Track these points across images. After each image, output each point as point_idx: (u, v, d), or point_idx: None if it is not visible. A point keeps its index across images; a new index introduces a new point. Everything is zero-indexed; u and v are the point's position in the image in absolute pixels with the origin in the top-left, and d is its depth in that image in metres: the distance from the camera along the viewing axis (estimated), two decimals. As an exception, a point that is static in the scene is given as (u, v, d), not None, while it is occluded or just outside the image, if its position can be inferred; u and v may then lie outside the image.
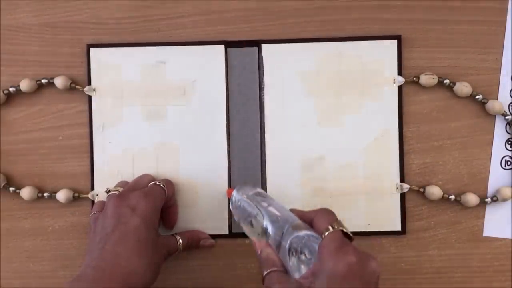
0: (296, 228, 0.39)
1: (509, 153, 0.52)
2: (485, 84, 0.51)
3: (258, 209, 0.43)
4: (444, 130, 0.51)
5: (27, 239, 0.52)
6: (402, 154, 0.51)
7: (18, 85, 0.51)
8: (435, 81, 0.50)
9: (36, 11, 0.52)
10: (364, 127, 0.51)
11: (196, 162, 0.51)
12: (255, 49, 0.51)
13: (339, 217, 0.39)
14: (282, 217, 0.41)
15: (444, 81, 0.50)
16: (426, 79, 0.50)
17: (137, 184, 0.48)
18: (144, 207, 0.44)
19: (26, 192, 0.51)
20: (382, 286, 0.51)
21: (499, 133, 0.51)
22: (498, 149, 0.51)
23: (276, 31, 0.51)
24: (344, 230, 0.38)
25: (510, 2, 0.51)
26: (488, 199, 0.51)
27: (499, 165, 0.51)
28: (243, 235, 0.51)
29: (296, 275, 0.38)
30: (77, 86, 0.51)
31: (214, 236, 0.51)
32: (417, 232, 0.51)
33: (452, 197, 0.50)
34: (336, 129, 0.51)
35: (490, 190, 0.51)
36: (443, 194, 0.50)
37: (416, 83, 0.51)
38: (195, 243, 0.50)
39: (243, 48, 0.51)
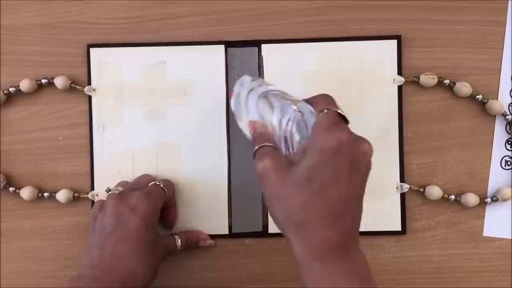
0: (292, 103, 0.39)
1: (509, 153, 0.52)
2: (485, 84, 0.51)
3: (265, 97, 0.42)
4: (444, 130, 0.51)
5: (27, 239, 0.52)
6: (402, 154, 0.51)
7: (18, 85, 0.51)
8: (435, 81, 0.50)
9: (36, 11, 0.52)
10: (364, 127, 0.51)
11: (196, 162, 0.51)
12: (255, 49, 0.51)
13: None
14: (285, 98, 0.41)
15: (444, 81, 0.51)
16: (426, 79, 0.50)
17: (137, 184, 0.48)
18: (144, 207, 0.44)
19: (26, 192, 0.51)
20: (382, 286, 0.51)
21: (499, 133, 0.51)
22: (498, 149, 0.51)
23: (276, 31, 0.51)
24: (341, 112, 0.38)
25: (510, 2, 0.51)
26: (488, 199, 0.51)
27: (499, 165, 0.51)
28: (243, 235, 0.51)
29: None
30: (77, 86, 0.51)
31: (214, 236, 0.51)
32: (417, 232, 0.51)
33: (452, 197, 0.50)
34: (336, 129, 0.51)
35: (490, 190, 0.51)
36: (443, 194, 0.50)
37: (416, 83, 0.51)
38: (194, 243, 0.50)
39: (243, 48, 0.51)
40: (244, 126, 0.44)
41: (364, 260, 0.37)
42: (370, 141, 0.38)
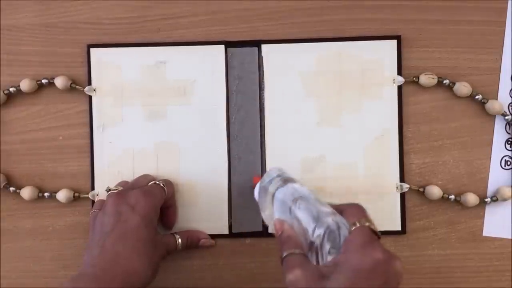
0: (327, 215, 0.39)
1: (509, 153, 0.52)
2: (485, 84, 0.51)
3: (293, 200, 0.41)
4: (444, 130, 0.51)
5: (27, 239, 0.52)
6: (402, 154, 0.51)
7: (18, 85, 0.51)
8: (435, 81, 0.50)
9: (36, 11, 0.52)
10: (364, 127, 0.51)
11: (196, 162, 0.51)
12: (255, 49, 0.51)
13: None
14: (315, 207, 0.40)
15: (444, 81, 0.51)
16: (426, 79, 0.50)
17: (137, 183, 0.48)
18: (143, 205, 0.44)
19: (26, 192, 0.51)
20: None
21: (499, 133, 0.51)
22: (498, 149, 0.51)
23: (276, 31, 0.51)
24: (373, 227, 0.37)
25: (510, 2, 0.51)
26: (488, 199, 0.51)
27: (499, 165, 0.51)
28: (243, 235, 0.51)
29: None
30: (77, 86, 0.51)
31: (214, 236, 0.51)
32: (417, 232, 0.51)
33: (452, 197, 0.51)
34: (336, 129, 0.51)
35: (490, 190, 0.51)
36: (443, 194, 0.50)
37: (416, 83, 0.51)
38: (195, 243, 0.50)
39: (243, 48, 0.51)
40: (267, 217, 0.43)
41: None
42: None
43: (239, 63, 0.51)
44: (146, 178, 0.50)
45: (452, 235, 0.51)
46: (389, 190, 0.51)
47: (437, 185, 0.51)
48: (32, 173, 0.52)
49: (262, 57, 0.51)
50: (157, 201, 0.46)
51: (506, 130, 0.51)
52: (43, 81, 0.51)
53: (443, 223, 0.51)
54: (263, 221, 0.51)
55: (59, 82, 0.51)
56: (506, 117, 0.51)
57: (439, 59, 0.51)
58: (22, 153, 0.52)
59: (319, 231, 0.38)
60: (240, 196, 0.51)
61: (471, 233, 0.52)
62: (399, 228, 0.51)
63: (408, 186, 0.51)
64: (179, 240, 0.49)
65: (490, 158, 0.51)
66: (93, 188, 0.52)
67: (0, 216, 0.52)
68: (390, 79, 0.51)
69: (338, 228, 0.38)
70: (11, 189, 0.51)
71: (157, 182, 0.48)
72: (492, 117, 0.51)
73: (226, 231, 0.51)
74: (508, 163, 0.51)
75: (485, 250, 0.51)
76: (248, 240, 0.52)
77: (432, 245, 0.51)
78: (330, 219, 0.38)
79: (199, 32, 0.52)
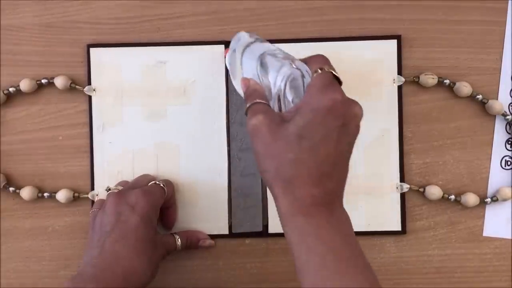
0: (289, 62, 0.39)
1: (509, 153, 0.52)
2: (485, 84, 0.51)
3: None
4: (444, 130, 0.51)
5: (27, 239, 0.52)
6: (402, 154, 0.51)
7: (18, 85, 0.51)
8: (435, 81, 0.50)
9: (36, 11, 0.52)
10: (364, 127, 0.51)
11: (196, 162, 0.51)
12: (255, 49, 0.51)
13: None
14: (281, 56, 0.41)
15: (444, 81, 0.50)
16: (426, 79, 0.50)
17: (137, 183, 0.48)
18: (143, 205, 0.44)
19: (26, 192, 0.51)
20: (382, 286, 0.51)
21: (499, 133, 0.51)
22: (498, 149, 0.51)
23: (276, 31, 0.51)
24: (335, 73, 0.38)
25: (510, 2, 0.51)
26: (488, 199, 0.51)
27: (499, 165, 0.51)
28: (243, 235, 0.51)
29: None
30: (77, 86, 0.51)
31: (214, 236, 0.51)
32: (417, 232, 0.51)
33: (452, 197, 0.50)
34: (336, 129, 0.51)
35: (490, 190, 0.51)
36: (443, 194, 0.50)
37: (416, 83, 0.51)
38: (194, 243, 0.50)
39: (243, 48, 0.51)
40: (238, 83, 0.44)
41: (348, 220, 0.38)
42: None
43: (239, 63, 0.51)
44: (146, 178, 0.50)
45: (452, 235, 0.51)
46: (389, 190, 0.51)
47: (437, 185, 0.51)
48: (31, 173, 0.52)
49: (262, 57, 0.51)
50: (157, 201, 0.46)
51: (506, 130, 0.51)
52: (43, 81, 0.51)
53: (443, 223, 0.51)
54: (263, 221, 0.51)
55: (59, 82, 0.51)
56: (507, 117, 0.51)
57: (439, 59, 0.51)
58: (22, 153, 0.52)
59: (280, 78, 0.39)
60: (240, 196, 0.51)
61: (471, 233, 0.51)
62: (399, 228, 0.51)
63: (408, 186, 0.51)
64: (179, 240, 0.49)
65: (491, 158, 0.51)
66: (93, 188, 0.52)
67: (0, 216, 0.52)
68: (390, 79, 0.51)
69: (302, 77, 0.39)
70: (11, 189, 0.51)
71: (157, 182, 0.48)
72: (492, 117, 0.51)
73: (226, 231, 0.51)
74: (509, 163, 0.51)
75: (485, 250, 0.51)
76: (248, 240, 0.52)
77: (432, 245, 0.51)
78: (292, 65, 0.39)
79: (199, 32, 0.52)
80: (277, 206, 0.37)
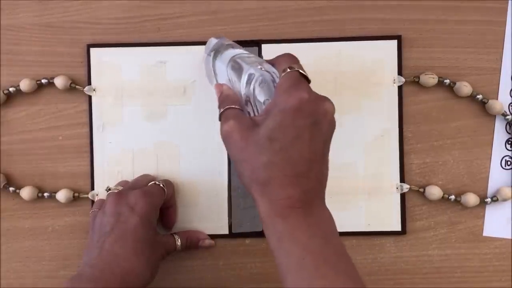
0: (256, 64, 0.40)
1: (509, 153, 0.52)
2: (485, 84, 0.51)
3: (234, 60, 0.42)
4: (444, 130, 0.51)
5: (27, 239, 0.52)
6: (402, 154, 0.51)
7: (18, 85, 0.51)
8: (435, 81, 0.50)
9: (36, 11, 0.52)
10: (364, 127, 0.51)
11: (196, 162, 0.51)
12: (255, 49, 0.51)
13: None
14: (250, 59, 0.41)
15: (444, 81, 0.50)
16: (426, 79, 0.50)
17: (137, 183, 0.48)
18: (143, 206, 0.44)
19: (26, 192, 0.51)
20: (382, 286, 0.51)
21: (499, 133, 0.51)
22: (498, 149, 0.51)
23: (276, 31, 0.51)
24: (302, 72, 0.38)
25: (510, 2, 0.51)
26: (488, 199, 0.51)
27: (499, 165, 0.51)
28: (243, 235, 0.51)
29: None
30: (77, 86, 0.51)
31: (214, 236, 0.51)
32: (417, 232, 0.51)
33: (452, 197, 0.50)
34: (336, 129, 0.51)
35: (490, 190, 0.51)
36: (443, 194, 0.50)
37: (416, 83, 0.51)
38: (194, 243, 0.50)
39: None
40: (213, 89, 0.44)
41: (330, 218, 0.37)
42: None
43: (239, 63, 0.51)
44: (146, 178, 0.50)
45: (452, 235, 0.51)
46: (389, 190, 0.51)
47: (437, 185, 0.51)
48: (31, 173, 0.52)
49: (262, 57, 0.51)
50: (156, 202, 0.46)
51: (506, 130, 0.51)
52: (43, 81, 0.51)
53: (443, 223, 0.51)
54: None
55: (59, 82, 0.51)
56: (507, 117, 0.51)
57: (439, 59, 0.51)
58: (22, 153, 0.52)
59: (245, 77, 0.39)
60: (240, 196, 0.51)
61: (471, 233, 0.51)
62: (399, 228, 0.51)
63: (408, 186, 0.51)
64: (179, 240, 0.49)
65: (491, 158, 0.51)
66: (93, 188, 0.52)
67: (0, 216, 0.52)
68: (391, 79, 0.51)
69: (273, 80, 0.39)
70: (11, 189, 0.51)
71: (157, 183, 0.48)
72: (492, 117, 0.51)
73: (226, 231, 0.51)
74: (509, 163, 0.51)
75: (485, 250, 0.51)
76: (248, 240, 0.52)
77: (432, 245, 0.51)
78: (260, 68, 0.39)
79: (199, 32, 0.52)
80: (258, 210, 0.37)
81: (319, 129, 0.36)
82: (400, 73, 0.51)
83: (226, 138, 0.38)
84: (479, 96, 0.50)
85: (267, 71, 0.39)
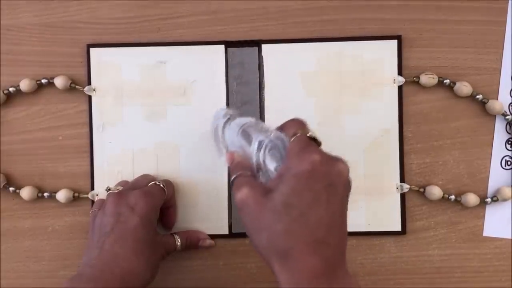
0: (266, 131, 0.40)
1: (509, 153, 0.52)
2: (485, 84, 0.51)
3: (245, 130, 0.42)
4: (444, 130, 0.51)
5: (27, 239, 0.52)
6: (402, 154, 0.51)
7: (18, 85, 0.51)
8: (435, 81, 0.50)
9: (36, 11, 0.52)
10: (364, 127, 0.51)
11: (196, 162, 0.51)
12: (255, 49, 0.51)
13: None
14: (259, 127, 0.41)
15: (444, 81, 0.50)
16: (426, 79, 0.50)
17: (137, 183, 0.48)
18: (143, 206, 0.44)
19: (26, 192, 0.51)
20: (382, 286, 0.51)
21: (499, 133, 0.51)
22: (498, 149, 0.51)
23: (276, 31, 0.51)
24: (311, 135, 0.38)
25: (510, 2, 0.51)
26: (488, 199, 0.51)
27: (499, 165, 0.51)
28: (243, 235, 0.51)
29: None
30: (77, 86, 0.51)
31: (214, 236, 0.51)
32: (417, 232, 0.51)
33: (452, 197, 0.50)
34: (336, 129, 0.51)
35: (490, 190, 0.51)
36: (443, 194, 0.50)
37: (416, 83, 0.51)
38: (194, 243, 0.50)
39: (243, 48, 0.51)
40: (223, 159, 0.44)
41: (355, 282, 0.36)
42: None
43: (239, 63, 0.51)
44: (146, 178, 0.50)
45: (452, 235, 0.51)
46: (389, 190, 0.51)
47: (437, 185, 0.51)
48: (31, 173, 0.52)
49: (262, 57, 0.51)
50: (157, 202, 0.46)
51: (506, 130, 0.51)
52: (43, 81, 0.51)
53: (443, 223, 0.51)
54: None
55: (59, 82, 0.51)
56: (507, 117, 0.51)
57: (439, 59, 0.51)
58: (22, 153, 0.52)
59: (255, 145, 0.39)
60: (240, 196, 0.51)
61: (471, 233, 0.51)
62: (399, 228, 0.51)
63: (408, 186, 0.51)
64: (179, 240, 0.49)
65: (491, 158, 0.51)
66: (92, 188, 0.52)
67: (0, 216, 0.52)
68: (391, 79, 0.51)
69: (284, 145, 0.38)
70: (11, 189, 0.51)
71: (157, 183, 0.48)
72: (492, 117, 0.51)
73: (226, 231, 0.51)
74: (509, 163, 0.51)
75: (485, 250, 0.51)
76: (248, 240, 0.52)
77: (432, 245, 0.51)
78: (268, 133, 0.39)
79: (199, 32, 0.52)
80: (277, 280, 0.35)
81: (334, 191, 0.35)
82: (400, 73, 0.51)
83: (240, 207, 0.37)
84: (479, 96, 0.50)
85: (276, 137, 0.39)
